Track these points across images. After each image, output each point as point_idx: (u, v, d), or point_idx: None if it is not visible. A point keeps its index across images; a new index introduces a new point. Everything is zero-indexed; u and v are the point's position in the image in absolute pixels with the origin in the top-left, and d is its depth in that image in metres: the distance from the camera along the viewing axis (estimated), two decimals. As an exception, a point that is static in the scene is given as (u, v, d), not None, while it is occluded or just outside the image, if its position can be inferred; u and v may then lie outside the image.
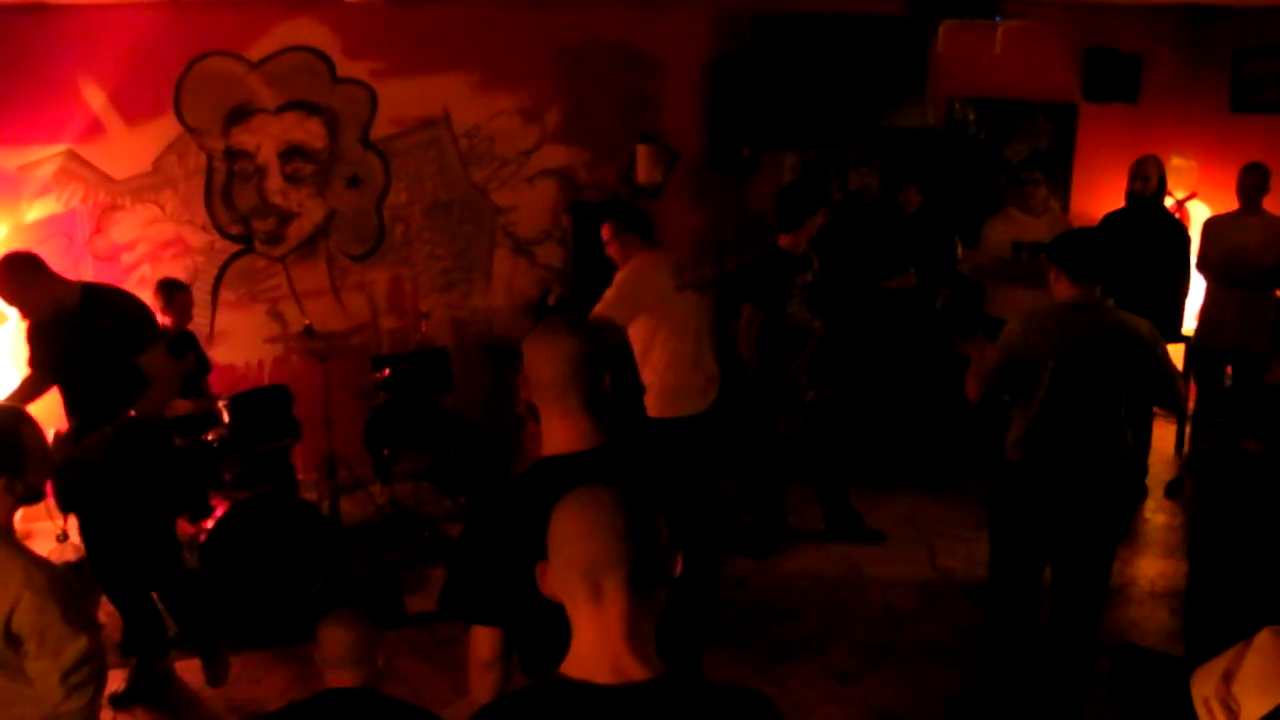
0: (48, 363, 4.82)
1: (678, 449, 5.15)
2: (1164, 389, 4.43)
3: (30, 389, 4.92)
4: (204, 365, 6.61)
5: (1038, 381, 4.35)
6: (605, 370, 2.55)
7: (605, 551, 1.85)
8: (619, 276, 5.55)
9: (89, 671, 2.89)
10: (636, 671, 1.84)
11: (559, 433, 2.56)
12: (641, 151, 7.83)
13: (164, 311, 6.12)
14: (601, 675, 1.84)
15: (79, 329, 4.62)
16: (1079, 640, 4.59)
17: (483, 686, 2.55)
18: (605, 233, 5.64)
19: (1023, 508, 4.52)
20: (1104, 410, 4.33)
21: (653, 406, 5.43)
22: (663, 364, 5.47)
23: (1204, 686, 2.04)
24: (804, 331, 6.19)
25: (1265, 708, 1.91)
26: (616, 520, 1.86)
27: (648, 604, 1.88)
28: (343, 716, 3.11)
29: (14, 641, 2.83)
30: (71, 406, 4.81)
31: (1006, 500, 4.61)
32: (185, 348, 6.35)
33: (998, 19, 7.76)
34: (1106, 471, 4.40)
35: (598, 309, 5.36)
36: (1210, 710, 1.99)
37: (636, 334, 5.38)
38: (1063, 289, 4.36)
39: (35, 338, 4.82)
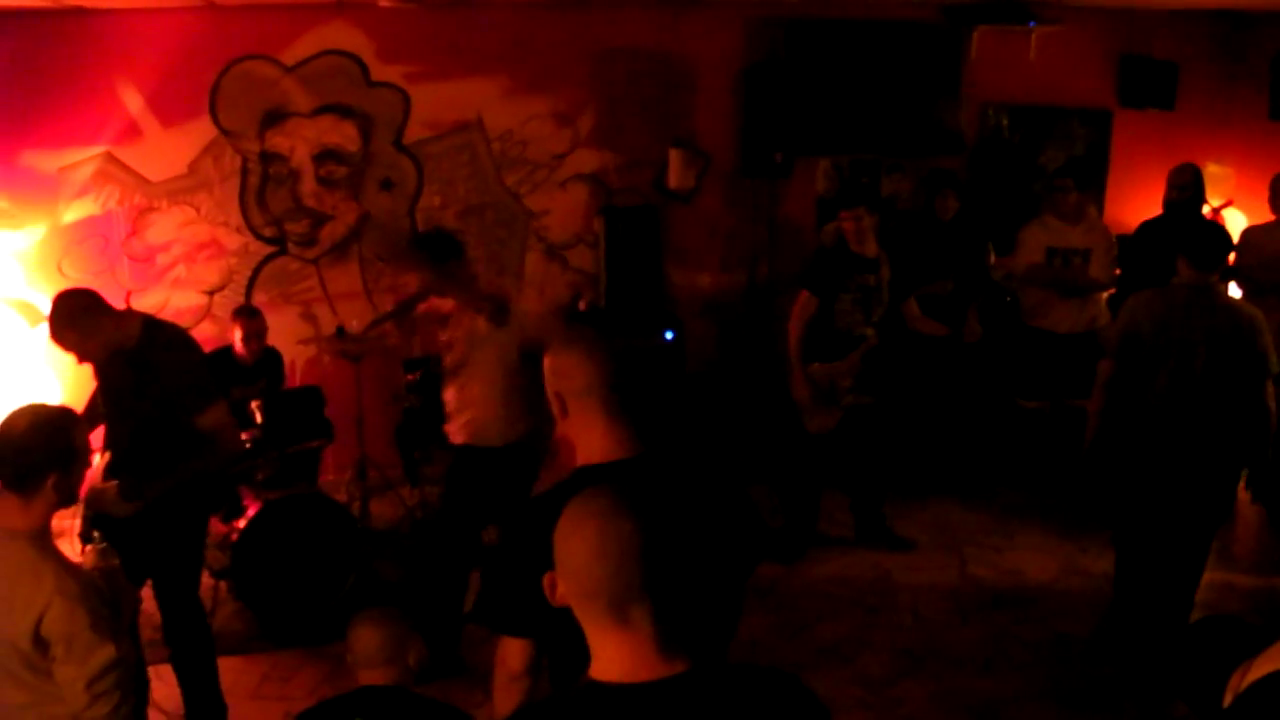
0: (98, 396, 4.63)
1: (481, 477, 5.06)
2: (1256, 367, 4.87)
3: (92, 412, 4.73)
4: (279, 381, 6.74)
5: (1147, 349, 4.97)
6: (639, 375, 2.53)
7: (628, 581, 1.79)
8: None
9: (115, 679, 2.89)
10: (668, 669, 1.82)
11: (595, 441, 2.52)
12: (674, 156, 7.82)
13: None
14: (633, 677, 1.82)
15: (136, 373, 4.30)
16: (1181, 588, 5.12)
17: (508, 698, 2.52)
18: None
19: (1144, 457, 5.07)
20: (1210, 379, 4.85)
21: (459, 434, 5.26)
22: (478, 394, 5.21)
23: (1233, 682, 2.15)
24: (849, 333, 6.16)
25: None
26: (636, 543, 1.80)
27: (675, 616, 1.84)
28: (376, 713, 3.12)
29: (43, 645, 2.85)
30: (109, 441, 4.60)
31: (1132, 452, 5.14)
32: (261, 373, 6.45)
33: (1032, 25, 7.71)
34: (1212, 433, 4.92)
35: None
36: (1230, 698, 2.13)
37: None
38: (1185, 274, 4.96)
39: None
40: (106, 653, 2.87)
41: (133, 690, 3.03)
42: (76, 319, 4.17)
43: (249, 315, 6.49)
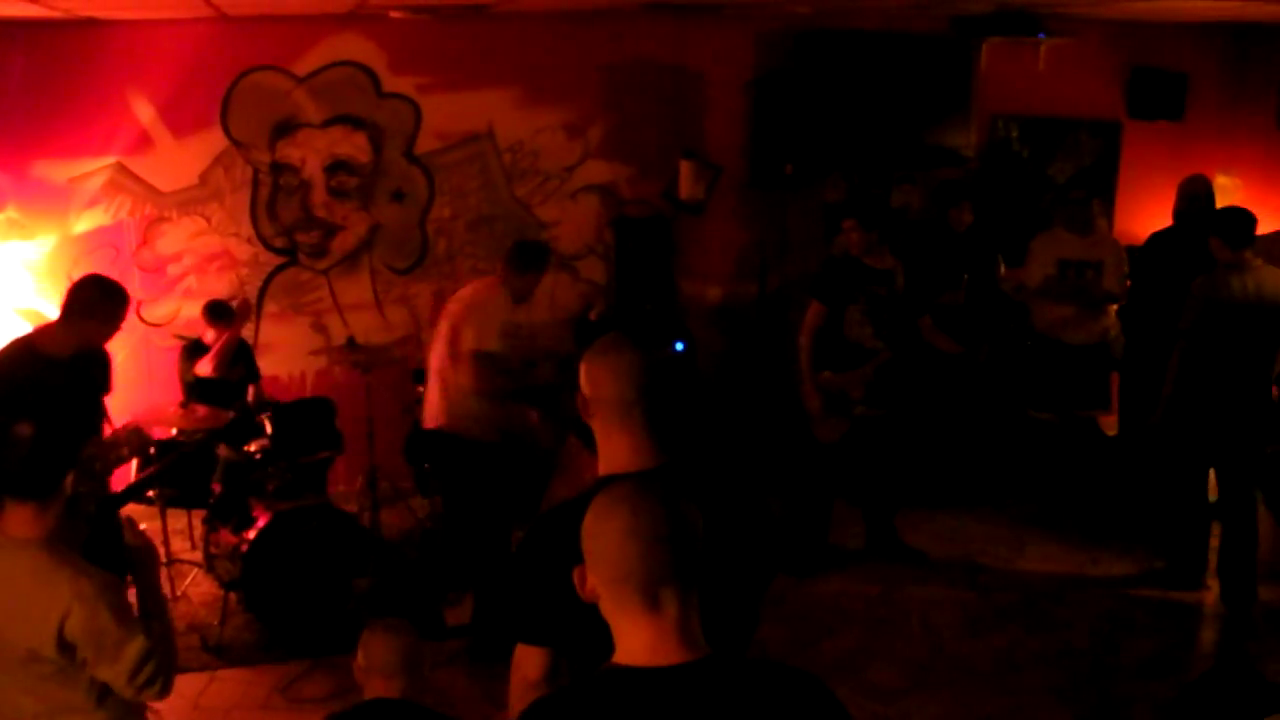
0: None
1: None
2: None
3: None
4: (254, 374, 6.80)
5: (1221, 321, 5.61)
6: (670, 386, 2.52)
7: (660, 561, 1.86)
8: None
9: (155, 666, 2.90)
10: (690, 655, 1.87)
11: (619, 451, 2.51)
12: (684, 168, 7.82)
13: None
14: (656, 661, 1.87)
15: (82, 373, 4.73)
16: (1242, 530, 5.95)
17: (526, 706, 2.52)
18: None
19: (1188, 419, 5.80)
20: (1250, 348, 5.63)
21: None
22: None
23: None
24: (860, 345, 6.14)
25: None
26: (665, 527, 1.87)
27: (698, 606, 1.91)
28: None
29: (69, 649, 2.84)
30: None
31: (1177, 415, 5.86)
32: (238, 359, 6.50)
33: (1042, 36, 7.71)
34: (1250, 395, 5.68)
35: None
36: None
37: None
38: (1223, 254, 5.61)
39: (39, 373, 4.59)
40: (138, 645, 2.87)
41: (173, 661, 3.04)
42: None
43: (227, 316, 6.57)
